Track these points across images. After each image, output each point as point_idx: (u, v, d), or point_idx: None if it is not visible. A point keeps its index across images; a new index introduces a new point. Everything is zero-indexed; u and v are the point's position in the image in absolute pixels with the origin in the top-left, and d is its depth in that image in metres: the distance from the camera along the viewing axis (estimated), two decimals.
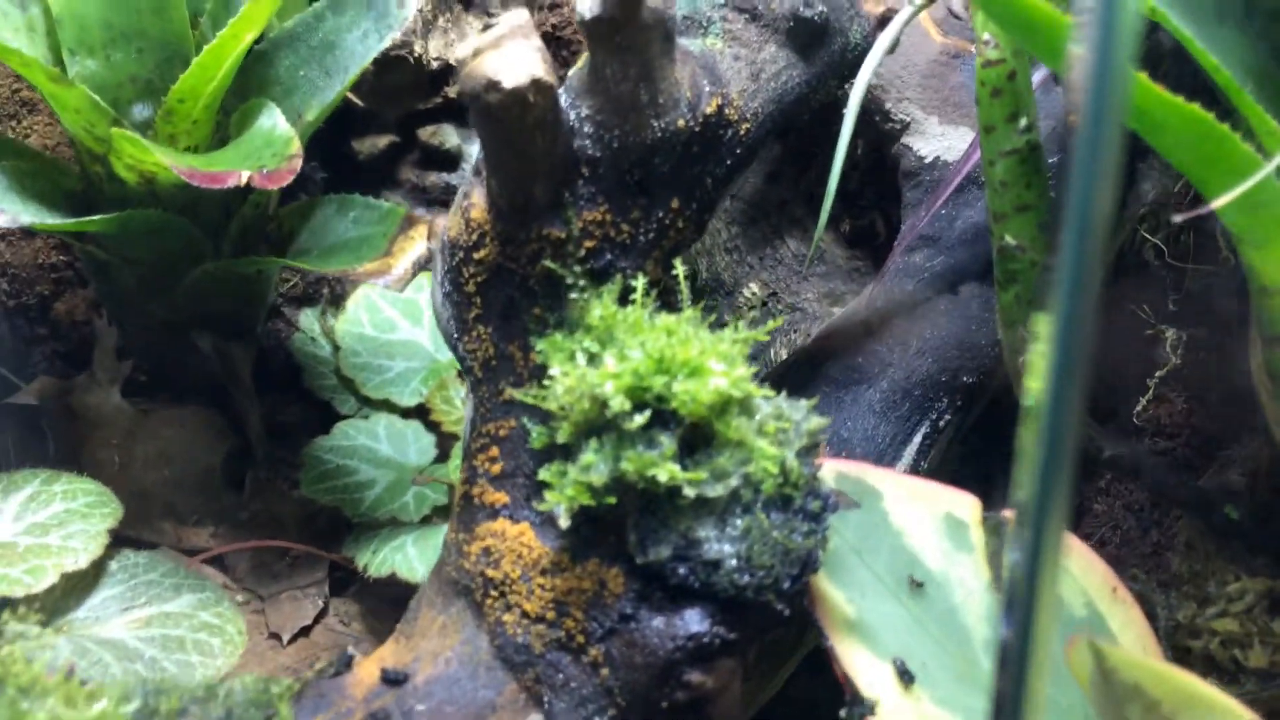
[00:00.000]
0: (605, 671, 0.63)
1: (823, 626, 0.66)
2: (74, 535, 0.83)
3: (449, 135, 1.26)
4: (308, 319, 1.21)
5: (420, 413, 1.14)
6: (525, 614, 0.65)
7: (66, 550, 0.82)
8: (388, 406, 1.14)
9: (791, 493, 0.64)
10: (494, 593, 0.66)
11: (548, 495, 0.64)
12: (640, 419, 0.62)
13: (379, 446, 1.10)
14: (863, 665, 0.66)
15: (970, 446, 0.88)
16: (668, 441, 0.62)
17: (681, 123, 0.67)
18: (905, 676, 0.66)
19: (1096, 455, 0.78)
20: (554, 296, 0.68)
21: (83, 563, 0.81)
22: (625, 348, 0.64)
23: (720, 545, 0.62)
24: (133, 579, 0.85)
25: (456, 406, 1.14)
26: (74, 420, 1.05)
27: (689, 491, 0.62)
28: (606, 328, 0.67)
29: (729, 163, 0.72)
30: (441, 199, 1.27)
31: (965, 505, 0.72)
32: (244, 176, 0.79)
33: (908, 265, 0.90)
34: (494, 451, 0.70)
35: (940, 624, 0.69)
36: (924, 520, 0.71)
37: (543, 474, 0.66)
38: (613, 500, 0.62)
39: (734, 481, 0.63)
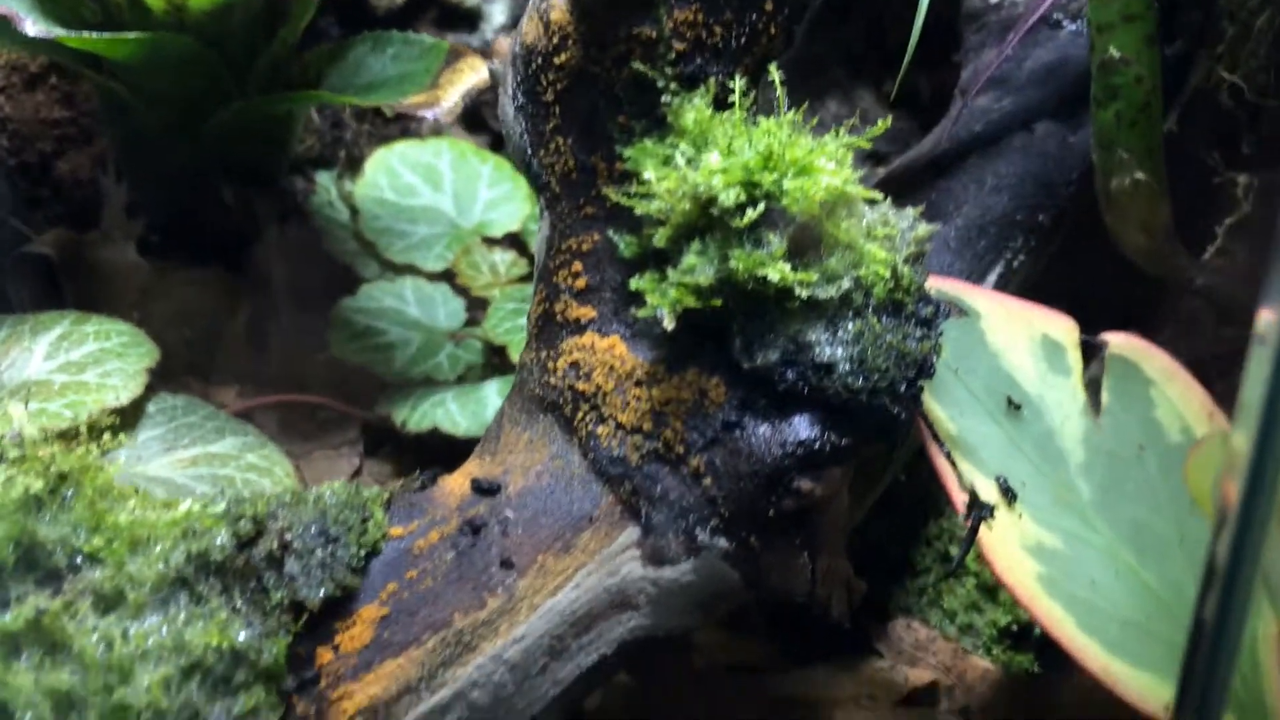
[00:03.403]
0: (707, 481, 0.60)
1: (927, 438, 0.64)
2: (111, 374, 0.79)
3: None
4: (325, 181, 1.16)
5: (445, 278, 1.10)
6: (620, 426, 0.62)
7: (105, 388, 0.77)
8: (411, 271, 1.10)
9: (903, 298, 0.61)
10: (585, 406, 0.63)
11: (650, 299, 0.61)
12: (752, 213, 0.58)
13: (407, 309, 1.06)
14: (969, 478, 0.64)
15: (1045, 291, 0.86)
16: (777, 241, 0.59)
17: None
18: (1008, 494, 0.65)
19: (1188, 285, 0.76)
20: (642, 102, 0.65)
21: (123, 399, 0.77)
22: (730, 146, 0.61)
23: (832, 349, 0.59)
24: (173, 421, 0.81)
25: (483, 272, 1.10)
26: (89, 276, 1.00)
27: (800, 293, 0.59)
28: (701, 132, 0.63)
29: None
30: None
31: (1062, 328, 0.70)
32: None
33: (973, 109, 0.87)
34: (577, 267, 0.66)
35: (1037, 447, 0.67)
36: (1021, 341, 0.69)
37: (635, 284, 0.63)
38: (718, 302, 0.60)
39: (845, 284, 0.60)
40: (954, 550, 0.82)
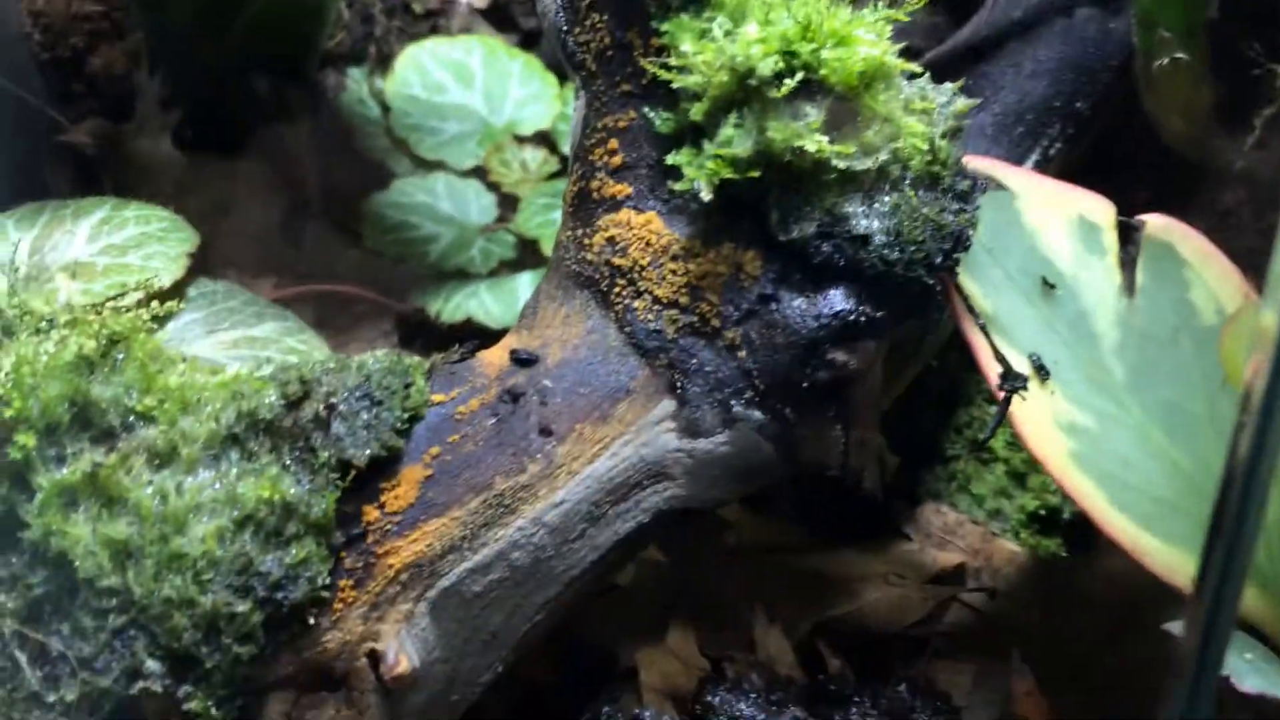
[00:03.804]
0: (743, 354, 0.61)
1: (960, 313, 0.65)
2: (153, 256, 0.80)
3: None
4: (356, 77, 1.16)
5: (476, 175, 1.10)
6: (656, 300, 0.63)
7: (148, 270, 0.78)
8: (443, 168, 1.11)
9: (940, 172, 0.61)
10: (621, 280, 0.64)
11: (687, 173, 0.61)
12: (790, 83, 0.58)
13: (439, 204, 1.07)
14: (993, 360, 0.64)
15: (1081, 181, 0.85)
16: (814, 113, 0.59)
17: None
18: (1041, 372, 0.65)
19: (1227, 170, 0.75)
20: None
21: (165, 281, 0.78)
22: (768, 17, 0.60)
23: (868, 221, 0.59)
24: (213, 305, 0.82)
25: (514, 170, 1.10)
26: (125, 168, 1.01)
27: (837, 165, 0.59)
28: (739, 4, 0.63)
29: None
30: None
31: (1099, 208, 0.69)
32: None
33: None
34: (613, 144, 0.66)
35: (1070, 327, 0.68)
36: (1057, 222, 0.69)
37: (671, 159, 0.63)
38: (756, 174, 0.60)
39: (882, 157, 0.60)
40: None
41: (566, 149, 1.12)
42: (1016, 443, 0.82)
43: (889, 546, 0.79)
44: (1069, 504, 0.79)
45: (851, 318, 0.60)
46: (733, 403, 0.61)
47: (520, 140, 1.12)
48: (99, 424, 0.54)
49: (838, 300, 0.60)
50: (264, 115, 1.05)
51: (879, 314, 0.60)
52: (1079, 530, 0.79)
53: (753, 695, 0.67)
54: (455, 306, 0.96)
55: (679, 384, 0.62)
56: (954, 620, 0.78)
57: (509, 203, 1.08)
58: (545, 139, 1.13)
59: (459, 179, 1.09)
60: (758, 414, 0.61)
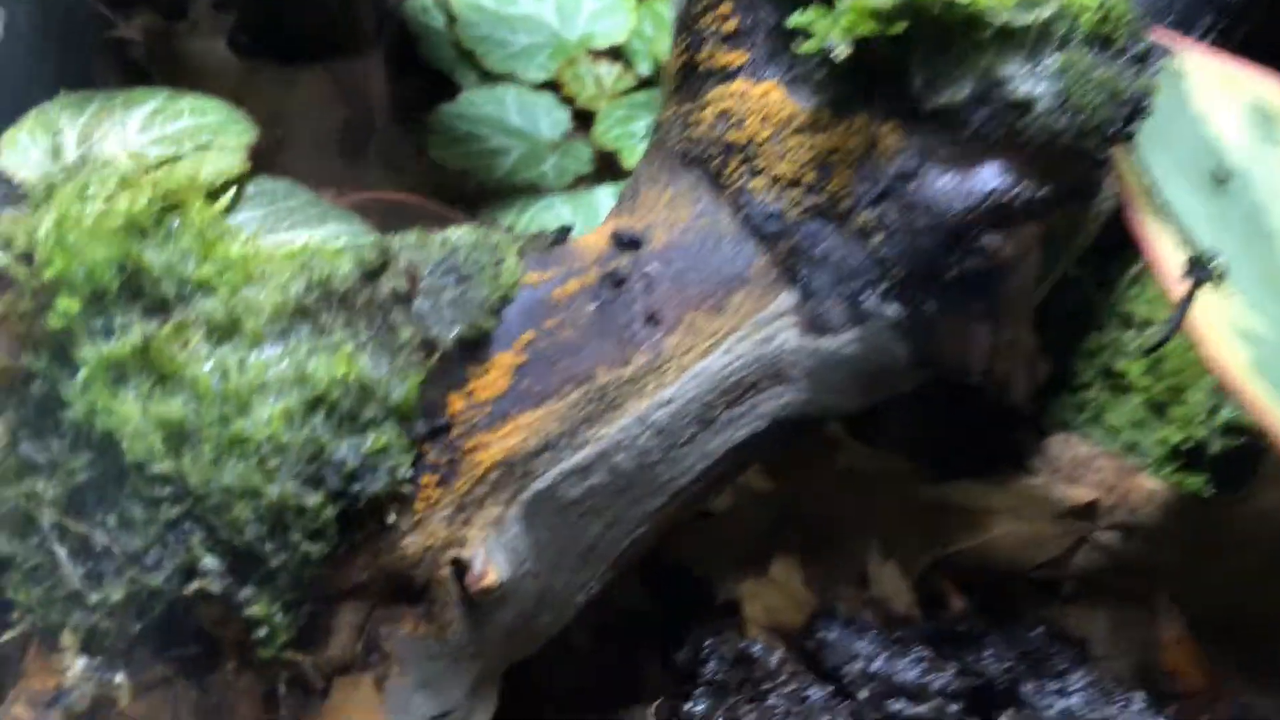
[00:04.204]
0: (877, 239, 0.53)
1: (1129, 196, 0.57)
2: (208, 147, 0.73)
3: None
4: None
5: (548, 90, 1.03)
6: (776, 178, 0.55)
7: (203, 162, 0.72)
8: (512, 81, 1.03)
9: (1112, 32, 0.53)
10: (736, 158, 0.56)
11: (817, 30, 0.53)
12: None
13: (509, 117, 1.00)
14: (1172, 249, 0.56)
15: None
16: None
17: None
18: (1217, 272, 0.57)
19: None
20: None
21: (222, 172, 0.72)
22: None
23: (1031, 84, 0.51)
24: (272, 204, 0.76)
25: (588, 85, 1.03)
26: (177, 69, 0.94)
27: (994, 20, 0.51)
28: None
29: None
30: None
31: (1278, 95, 0.61)
32: None
33: None
34: (725, 9, 0.59)
35: (1244, 223, 0.59)
36: (1228, 107, 0.61)
37: (795, 20, 0.55)
38: (900, 28, 0.52)
39: (1046, 11, 0.52)
40: (1118, 365, 0.74)
41: (643, 66, 1.05)
42: (1155, 370, 0.74)
43: (1012, 481, 0.71)
44: (1216, 437, 0.71)
45: (1008, 197, 0.52)
46: (863, 295, 0.54)
47: (594, 55, 1.05)
48: (151, 293, 0.47)
49: (992, 176, 0.52)
50: (325, 22, 0.99)
51: (1040, 193, 0.52)
52: (1228, 465, 0.70)
53: (871, 633, 0.60)
54: (530, 219, 0.89)
55: (801, 274, 0.54)
56: (1084, 562, 0.70)
57: (582, 119, 1.01)
58: (620, 54, 1.06)
59: (529, 92, 1.02)
60: (892, 308, 0.54)
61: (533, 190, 0.94)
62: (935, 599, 0.66)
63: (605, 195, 0.91)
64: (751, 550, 0.66)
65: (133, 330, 0.46)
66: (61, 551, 0.45)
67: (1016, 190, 0.52)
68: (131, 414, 0.45)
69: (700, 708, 0.57)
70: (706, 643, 0.59)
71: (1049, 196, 0.52)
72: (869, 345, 0.54)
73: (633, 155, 0.93)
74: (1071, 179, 0.52)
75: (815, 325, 0.54)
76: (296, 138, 0.98)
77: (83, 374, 0.45)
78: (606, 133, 0.95)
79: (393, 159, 0.99)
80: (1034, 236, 0.53)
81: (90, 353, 0.45)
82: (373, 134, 1.00)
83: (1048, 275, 0.65)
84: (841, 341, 0.54)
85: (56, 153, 0.69)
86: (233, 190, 0.71)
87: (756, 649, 0.58)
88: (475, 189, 0.95)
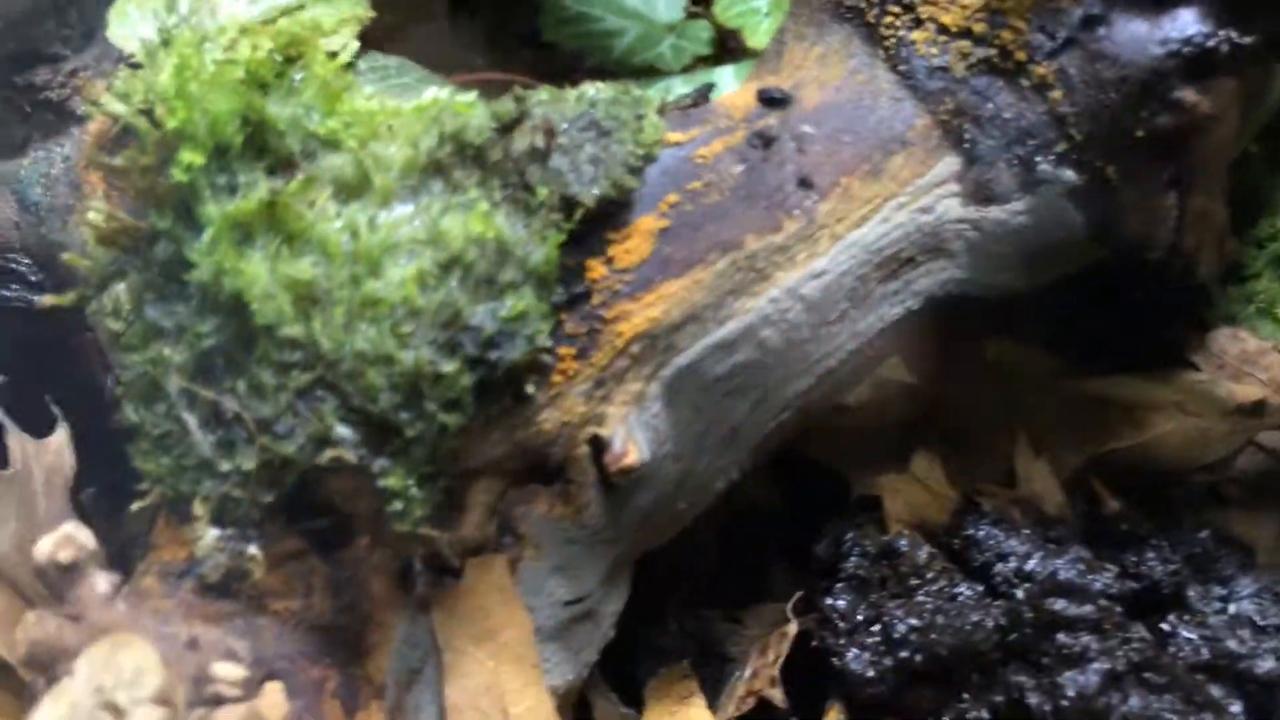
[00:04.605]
0: (1056, 95, 0.48)
1: None
2: (320, 18, 0.70)
3: None
4: None
5: None
6: (942, 29, 0.50)
7: (316, 33, 0.69)
8: None
9: None
10: (895, 8, 0.51)
11: None
12: None
13: None
14: None
15: None
16: None
17: None
18: None
19: None
20: None
21: (335, 45, 0.68)
22: None
23: None
24: (385, 80, 0.72)
25: None
26: None
27: None
28: None
29: None
30: None
31: None
32: None
33: None
34: None
35: None
36: None
37: None
38: None
39: None
40: None
41: None
42: None
43: (1174, 377, 0.66)
44: None
45: (1208, 44, 0.46)
46: (1038, 159, 0.49)
47: None
48: (276, 149, 0.44)
49: (1190, 21, 0.46)
50: None
51: (1244, 40, 0.46)
52: None
53: (1024, 531, 0.56)
54: None
55: (967, 135, 0.50)
56: (1248, 465, 0.65)
57: (701, 3, 0.96)
58: None
59: None
60: (1070, 173, 0.49)
61: (650, 73, 0.89)
62: (1087, 500, 0.61)
63: (728, 74, 0.86)
64: (890, 445, 0.62)
65: (258, 187, 0.43)
66: (191, 419, 0.43)
67: (1218, 37, 0.46)
68: (259, 275, 0.42)
69: (842, 603, 0.54)
70: (848, 536, 0.56)
71: (1255, 46, 0.46)
72: (1041, 216, 0.50)
73: (756, 33, 0.88)
74: (1277, 28, 0.46)
75: (981, 193, 0.50)
76: (401, 20, 0.95)
77: (208, 233, 0.43)
78: (728, 9, 0.90)
79: (501, 42, 0.96)
80: (1232, 93, 0.48)
81: (215, 210, 0.43)
82: (479, 16, 0.96)
83: (1241, 140, 0.59)
84: (1010, 211, 0.50)
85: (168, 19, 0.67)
86: (354, 45, 0.67)
87: (903, 543, 0.55)
88: (588, 71, 0.91)
